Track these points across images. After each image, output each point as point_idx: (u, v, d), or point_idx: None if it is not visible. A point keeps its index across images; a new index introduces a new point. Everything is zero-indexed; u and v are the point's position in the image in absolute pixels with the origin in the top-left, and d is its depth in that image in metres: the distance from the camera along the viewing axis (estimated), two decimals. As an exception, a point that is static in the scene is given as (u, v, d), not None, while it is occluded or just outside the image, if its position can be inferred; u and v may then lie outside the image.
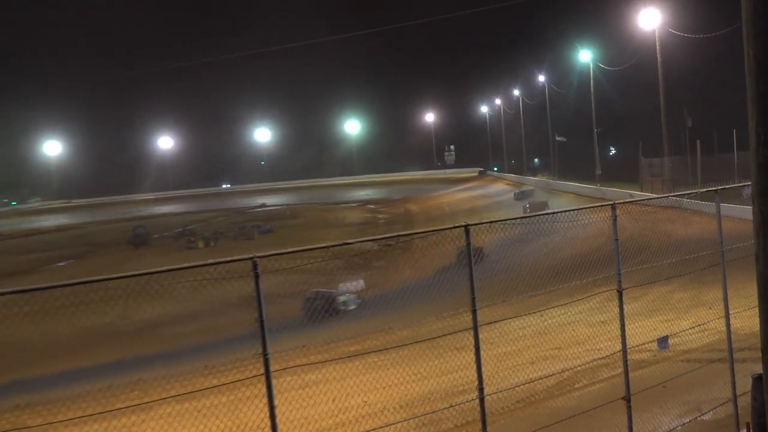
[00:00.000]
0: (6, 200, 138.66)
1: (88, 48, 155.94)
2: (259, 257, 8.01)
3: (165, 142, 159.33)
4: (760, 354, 5.04)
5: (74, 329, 26.93)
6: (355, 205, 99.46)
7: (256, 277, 8.06)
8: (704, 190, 12.59)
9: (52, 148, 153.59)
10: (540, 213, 11.18)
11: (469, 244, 9.84)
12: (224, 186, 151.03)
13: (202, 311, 32.41)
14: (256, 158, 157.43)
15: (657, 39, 56.61)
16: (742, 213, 26.19)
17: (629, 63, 67.39)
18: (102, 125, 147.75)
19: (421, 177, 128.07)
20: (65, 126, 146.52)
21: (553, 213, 10.95)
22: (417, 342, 12.14)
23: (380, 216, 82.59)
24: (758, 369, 5.93)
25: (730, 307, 11.88)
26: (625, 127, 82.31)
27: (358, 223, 75.36)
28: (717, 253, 11.91)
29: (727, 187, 13.77)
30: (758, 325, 5.18)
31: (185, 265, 8.07)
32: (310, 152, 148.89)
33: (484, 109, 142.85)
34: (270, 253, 8.40)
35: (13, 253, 71.94)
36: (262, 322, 8.07)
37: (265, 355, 8.08)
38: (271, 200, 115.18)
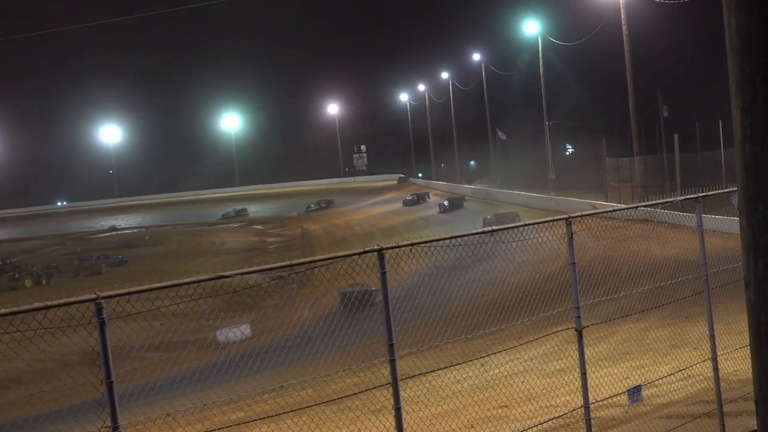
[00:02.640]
0: None
1: None
2: (105, 297, 7.88)
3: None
4: (754, 406, 5.20)
5: None
6: (236, 225, 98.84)
7: (101, 324, 7.93)
8: (684, 197, 12.98)
9: None
10: (476, 232, 11.35)
11: (384, 273, 9.90)
12: (59, 204, 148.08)
13: (30, 373, 31.64)
14: (101, 166, 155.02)
15: (622, 6, 58.39)
16: (731, 226, 27.20)
17: (588, 36, 69.15)
18: None
19: (324, 187, 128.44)
20: None
21: (492, 231, 11.13)
22: (321, 404, 12.12)
23: (270, 240, 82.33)
24: (753, 424, 6.11)
25: (718, 346, 12.27)
26: (585, 120, 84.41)
27: (241, 250, 74.91)
28: (701, 277, 12.28)
29: (711, 193, 14.21)
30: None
31: (4, 310, 7.88)
32: (174, 157, 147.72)
33: (404, 97, 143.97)
34: (120, 291, 8.28)
35: None
36: (110, 383, 7.93)
37: (115, 428, 7.94)
38: (123, 221, 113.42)
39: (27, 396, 29.50)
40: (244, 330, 33.02)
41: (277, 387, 13.05)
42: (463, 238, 11.72)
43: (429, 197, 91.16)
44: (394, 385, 9.47)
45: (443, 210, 76.98)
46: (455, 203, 79.19)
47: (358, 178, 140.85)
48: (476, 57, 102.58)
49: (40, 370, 31.63)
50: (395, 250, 10.16)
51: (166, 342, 32.30)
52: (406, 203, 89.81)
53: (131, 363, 25.35)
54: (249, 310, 38.16)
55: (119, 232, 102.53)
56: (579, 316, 11.13)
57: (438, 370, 12.51)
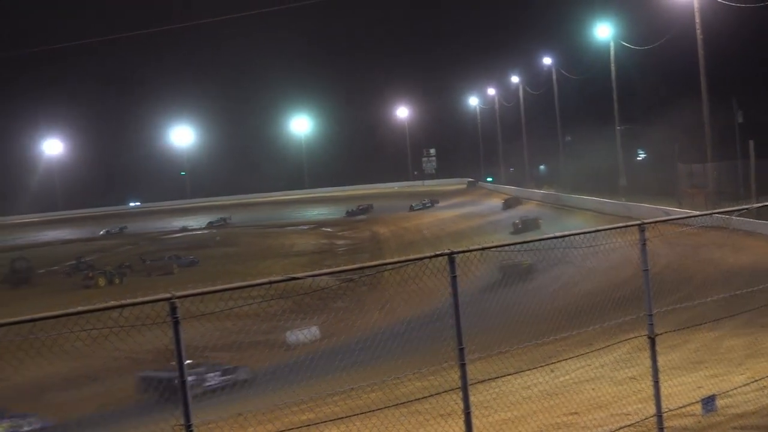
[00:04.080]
0: None
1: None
2: (179, 297, 7.97)
3: (52, 147, 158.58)
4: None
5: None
6: (306, 228, 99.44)
7: (176, 323, 8.01)
8: (760, 204, 12.75)
9: None
10: (549, 237, 11.26)
11: (454, 277, 9.89)
12: (132, 204, 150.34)
13: (103, 371, 32.17)
14: (174, 168, 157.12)
15: (696, 10, 57.52)
16: (809, 234, 26.60)
17: (662, 41, 68.22)
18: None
19: (393, 191, 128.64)
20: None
21: (564, 236, 11.03)
22: (390, 407, 12.11)
23: (340, 242, 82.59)
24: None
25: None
26: (657, 125, 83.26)
27: (310, 252, 75.31)
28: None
29: (789, 200, 13.94)
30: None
31: (80, 308, 8.00)
32: (245, 159, 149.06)
33: (473, 101, 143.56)
34: (193, 291, 8.36)
35: None
36: (183, 382, 8.01)
37: (188, 426, 8.01)
38: (194, 222, 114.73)
39: (101, 393, 30.00)
40: (313, 332, 33.22)
41: (347, 389, 13.08)
42: (533, 243, 11.65)
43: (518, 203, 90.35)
44: (464, 389, 9.44)
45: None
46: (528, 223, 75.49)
47: (427, 182, 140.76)
48: (547, 61, 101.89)
49: (114, 368, 32.16)
50: (466, 253, 10.14)
51: (237, 342, 32.62)
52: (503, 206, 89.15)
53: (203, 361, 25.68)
54: (318, 312, 38.41)
55: (191, 233, 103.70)
56: (652, 324, 11.00)
57: (507, 375, 12.44)
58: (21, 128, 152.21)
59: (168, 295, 7.92)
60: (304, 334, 33.38)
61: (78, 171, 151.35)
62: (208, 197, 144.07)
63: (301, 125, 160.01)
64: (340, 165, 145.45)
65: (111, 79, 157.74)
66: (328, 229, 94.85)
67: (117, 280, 63.75)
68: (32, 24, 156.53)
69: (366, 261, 54.79)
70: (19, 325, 8.08)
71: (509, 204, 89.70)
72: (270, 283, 8.88)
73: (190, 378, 8.04)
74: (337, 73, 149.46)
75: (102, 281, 63.10)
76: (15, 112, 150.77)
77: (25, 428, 25.27)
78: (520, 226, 69.45)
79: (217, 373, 27.59)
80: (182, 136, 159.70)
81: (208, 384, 26.10)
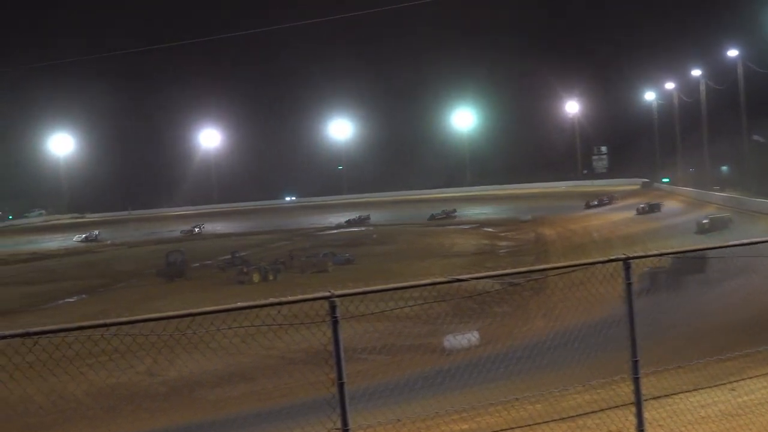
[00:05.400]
0: (0, 212, 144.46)
1: (102, 18, 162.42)
2: (339, 296, 8.06)
3: (209, 138, 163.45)
4: None
5: (88, 388, 27.68)
6: (466, 227, 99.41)
7: (335, 322, 8.11)
8: None
9: (61, 144, 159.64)
10: (733, 244, 10.89)
11: (630, 284, 9.70)
12: (288, 199, 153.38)
13: (255, 369, 32.87)
14: (331, 162, 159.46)
15: None
16: None
17: None
18: (124, 118, 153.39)
19: (561, 190, 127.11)
20: (76, 119, 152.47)
21: (752, 243, 10.65)
22: (553, 421, 11.96)
23: (502, 243, 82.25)
24: None
25: None
26: None
27: (471, 253, 75.21)
28: None
29: None
30: None
31: (235, 305, 8.19)
32: (405, 154, 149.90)
33: (649, 96, 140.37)
34: (353, 290, 8.45)
35: (6, 283, 74.69)
36: (341, 385, 8.10)
37: (345, 430, 8.11)
38: (351, 219, 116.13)
39: (252, 392, 30.64)
40: (472, 337, 33.03)
41: (509, 399, 12.98)
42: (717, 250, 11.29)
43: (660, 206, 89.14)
44: (638, 405, 9.24)
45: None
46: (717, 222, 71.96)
47: (597, 182, 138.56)
48: (732, 53, 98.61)
49: (265, 367, 32.83)
50: (642, 259, 9.92)
51: (391, 345, 32.84)
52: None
53: (356, 364, 25.94)
54: (478, 317, 38.27)
55: (347, 230, 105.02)
56: None
57: (683, 393, 12.11)
58: (179, 119, 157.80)
59: (327, 294, 8.02)
60: (462, 339, 33.25)
61: (234, 163, 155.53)
62: (365, 193, 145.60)
63: (463, 120, 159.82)
64: (504, 162, 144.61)
65: (269, 70, 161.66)
66: (490, 230, 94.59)
67: (271, 277, 64.95)
68: (194, 13, 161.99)
69: (530, 264, 54.34)
70: (173, 320, 8.33)
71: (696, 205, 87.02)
72: (433, 284, 8.90)
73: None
74: (503, 65, 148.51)
75: (256, 277, 64.41)
76: (171, 102, 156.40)
77: None
78: (707, 226, 66.15)
79: None
80: (341, 129, 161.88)
81: None
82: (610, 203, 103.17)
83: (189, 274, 70.57)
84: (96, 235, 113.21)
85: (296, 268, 68.42)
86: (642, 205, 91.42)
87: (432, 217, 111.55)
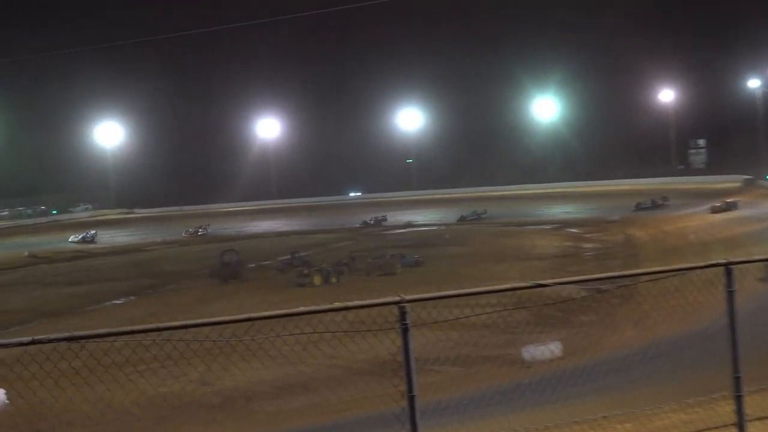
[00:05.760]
0: (44, 208, 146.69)
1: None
2: (409, 301, 8.05)
3: (267, 128, 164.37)
4: None
5: (134, 397, 28.04)
6: (548, 227, 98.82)
7: (405, 330, 8.10)
8: None
9: (109, 134, 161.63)
10: None
11: (732, 292, 9.58)
12: (352, 195, 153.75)
13: (316, 379, 33.00)
14: (399, 155, 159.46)
15: None
16: None
17: None
18: (177, 106, 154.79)
19: (653, 187, 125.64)
20: (126, 107, 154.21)
21: None
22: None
23: (587, 245, 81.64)
24: None
25: None
26: None
27: (552, 256, 74.74)
28: None
29: None
30: None
31: (297, 310, 8.22)
32: (479, 146, 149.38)
33: (753, 84, 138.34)
34: (424, 296, 8.45)
35: (50, 283, 75.90)
36: (411, 398, 8.11)
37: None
38: (420, 217, 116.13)
39: (314, 404, 30.75)
40: (553, 348, 32.87)
41: (597, 417, 12.87)
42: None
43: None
44: (740, 426, 9.13)
45: None
46: None
47: (693, 178, 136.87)
48: None
49: (328, 377, 32.94)
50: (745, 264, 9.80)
51: (464, 355, 32.80)
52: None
53: (427, 376, 25.92)
54: (560, 326, 38.03)
55: (417, 230, 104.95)
56: None
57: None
58: (235, 107, 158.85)
59: (397, 299, 8.02)
60: (543, 350, 33.10)
61: (294, 156, 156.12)
62: (436, 189, 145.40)
63: (545, 109, 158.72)
64: (590, 156, 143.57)
65: (332, 54, 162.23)
66: (574, 230, 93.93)
67: (333, 279, 65.02)
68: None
69: (618, 269, 53.87)
70: (228, 325, 8.38)
71: None
72: (513, 289, 8.88)
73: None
74: (589, 49, 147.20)
75: (318, 279, 64.44)
76: (228, 89, 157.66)
77: None
78: None
79: None
80: (410, 119, 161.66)
81: None
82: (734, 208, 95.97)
83: (245, 276, 70.96)
84: (93, 236, 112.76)
85: (361, 270, 68.44)
86: (718, 204, 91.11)
87: (462, 219, 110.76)
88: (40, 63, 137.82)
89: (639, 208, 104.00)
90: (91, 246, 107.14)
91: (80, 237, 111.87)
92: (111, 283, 73.25)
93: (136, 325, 8.26)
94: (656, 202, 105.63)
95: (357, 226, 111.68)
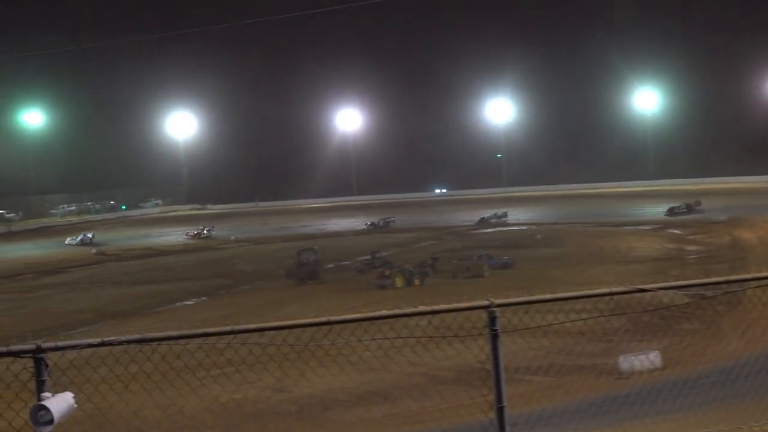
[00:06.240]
0: (112, 203, 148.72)
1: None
2: (499, 305, 8.05)
3: (347, 120, 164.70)
4: None
5: (205, 403, 28.34)
6: (647, 228, 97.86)
7: (494, 337, 8.11)
8: None
9: (181, 126, 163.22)
10: None
11: None
12: (437, 191, 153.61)
13: (397, 387, 33.03)
14: (488, 150, 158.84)
15: None
16: None
17: None
18: (251, 95, 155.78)
19: (765, 185, 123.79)
20: (199, 96, 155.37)
21: None
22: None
23: (690, 248, 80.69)
24: None
25: None
26: None
27: (652, 258, 73.98)
28: None
29: None
30: None
31: (379, 313, 8.26)
32: (574, 141, 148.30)
33: None
34: (515, 300, 8.44)
35: (118, 282, 77.05)
36: (500, 409, 8.11)
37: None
38: (511, 216, 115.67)
39: (394, 414, 30.77)
40: (653, 358, 32.62)
41: (700, 432, 12.78)
42: None
43: None
44: None
45: None
46: None
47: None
48: None
49: (409, 385, 32.95)
50: None
51: (557, 364, 32.63)
52: None
53: (516, 386, 25.84)
54: (661, 335, 37.62)
55: (506, 229, 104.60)
56: None
57: None
58: (313, 97, 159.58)
59: (486, 303, 8.02)
60: (641, 360, 32.85)
61: (376, 149, 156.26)
62: (527, 185, 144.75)
63: (646, 101, 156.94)
64: (694, 151, 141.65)
65: (415, 41, 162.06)
66: (677, 231, 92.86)
67: (417, 281, 64.92)
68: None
69: (724, 273, 53.24)
70: (305, 328, 8.45)
71: None
72: (610, 294, 8.84)
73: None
74: (694, 36, 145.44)
75: (400, 281, 64.44)
76: (304, 78, 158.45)
77: None
78: None
79: None
80: (500, 111, 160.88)
81: None
82: None
83: (322, 276, 71.36)
84: (91, 239, 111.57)
85: (446, 272, 68.27)
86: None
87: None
88: (111, 52, 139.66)
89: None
90: (159, 243, 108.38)
91: (78, 239, 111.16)
92: (181, 282, 74.17)
93: (210, 328, 8.36)
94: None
95: (450, 225, 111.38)
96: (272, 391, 32.06)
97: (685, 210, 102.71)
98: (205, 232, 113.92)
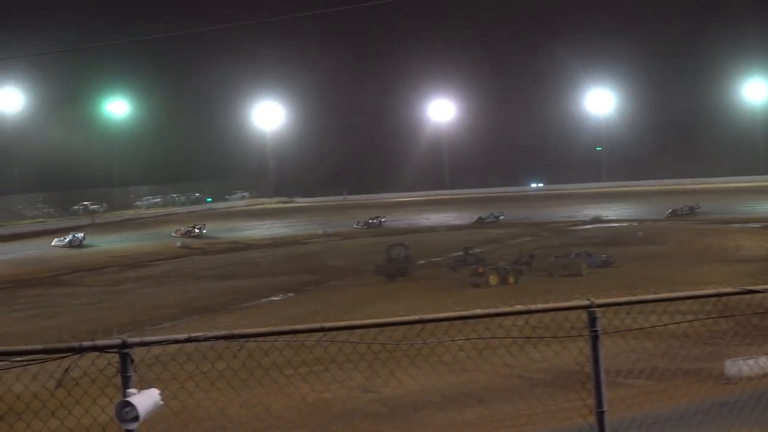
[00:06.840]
0: (198, 195, 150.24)
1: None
2: (600, 306, 8.01)
3: (440, 111, 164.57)
4: None
5: (293, 402, 28.49)
6: (757, 226, 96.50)
7: (594, 338, 8.07)
8: None
9: (269, 116, 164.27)
10: None
11: None
12: (534, 186, 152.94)
13: (489, 389, 32.94)
14: (587, 142, 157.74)
15: None
16: None
17: None
18: (340, 85, 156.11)
19: None
20: (287, 85, 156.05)
21: None
22: None
23: (802, 248, 79.49)
24: None
25: None
26: None
27: (762, 258, 72.97)
28: None
29: None
30: None
31: (474, 312, 8.26)
32: (680, 134, 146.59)
33: None
34: (617, 300, 8.39)
35: (203, 277, 77.91)
36: (601, 413, 8.08)
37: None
38: (610, 212, 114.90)
39: (488, 416, 30.69)
40: (763, 363, 32.16)
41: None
42: None
43: None
44: None
45: None
46: None
47: None
48: None
49: (503, 387, 32.87)
50: None
51: (660, 368, 32.33)
52: None
53: (616, 390, 25.66)
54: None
55: (606, 226, 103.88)
56: None
57: None
58: (404, 87, 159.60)
59: (587, 302, 7.98)
60: (750, 365, 32.39)
61: (469, 141, 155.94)
62: (629, 180, 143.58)
63: (756, 92, 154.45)
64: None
65: (513, 32, 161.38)
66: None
67: (511, 279, 64.73)
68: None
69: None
70: (396, 327, 8.48)
71: None
72: (717, 295, 8.76)
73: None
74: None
75: (494, 279, 64.26)
76: (396, 67, 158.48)
77: None
78: None
79: None
80: (600, 101, 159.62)
81: None
82: None
83: (413, 273, 71.37)
84: (81, 239, 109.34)
85: (542, 270, 67.96)
86: None
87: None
88: (198, 41, 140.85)
89: None
90: (246, 236, 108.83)
91: (66, 240, 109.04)
92: (268, 278, 74.75)
93: (298, 325, 8.43)
94: None
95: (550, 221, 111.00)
96: (361, 391, 32.17)
97: None
98: (195, 230, 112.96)
